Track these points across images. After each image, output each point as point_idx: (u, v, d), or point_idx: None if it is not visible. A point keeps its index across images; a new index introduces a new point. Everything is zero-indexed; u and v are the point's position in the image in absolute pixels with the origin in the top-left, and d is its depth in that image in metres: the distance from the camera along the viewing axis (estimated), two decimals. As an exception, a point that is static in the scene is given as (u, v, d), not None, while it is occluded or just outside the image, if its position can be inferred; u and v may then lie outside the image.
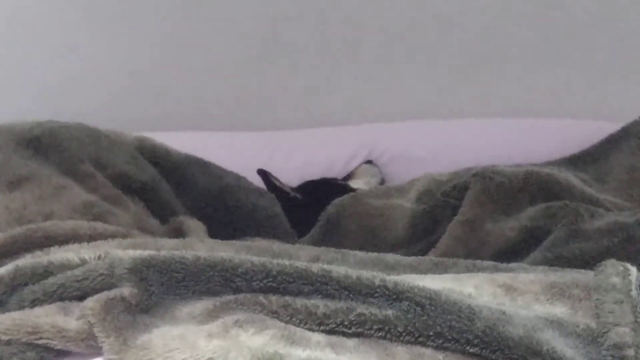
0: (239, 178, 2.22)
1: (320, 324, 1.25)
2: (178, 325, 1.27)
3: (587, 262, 1.65)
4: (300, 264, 1.34)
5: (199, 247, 1.59)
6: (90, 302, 1.28)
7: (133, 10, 2.66)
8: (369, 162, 2.55)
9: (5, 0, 2.63)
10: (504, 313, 1.26)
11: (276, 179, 2.32)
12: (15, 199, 1.75)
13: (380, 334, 1.23)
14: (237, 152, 2.51)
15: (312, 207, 2.16)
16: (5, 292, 1.37)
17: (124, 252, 1.42)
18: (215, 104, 2.78)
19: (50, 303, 1.34)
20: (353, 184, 2.42)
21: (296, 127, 2.69)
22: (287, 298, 1.29)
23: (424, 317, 1.23)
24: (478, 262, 1.61)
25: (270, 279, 1.31)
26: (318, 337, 1.23)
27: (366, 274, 1.31)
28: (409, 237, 2.02)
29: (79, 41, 2.69)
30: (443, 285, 1.36)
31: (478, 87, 2.76)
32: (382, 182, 2.50)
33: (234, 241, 1.75)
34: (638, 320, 1.26)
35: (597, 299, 1.32)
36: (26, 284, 1.38)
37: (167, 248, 1.51)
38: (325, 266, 1.34)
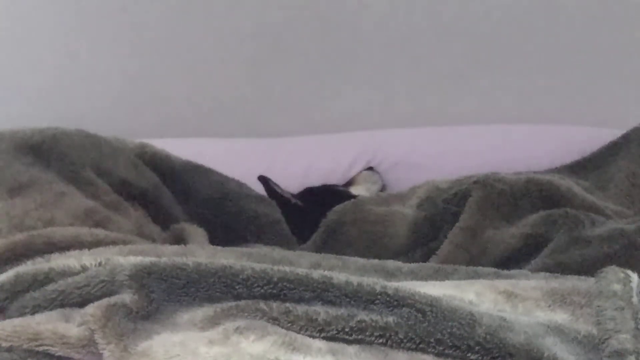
0: (239, 184, 2.22)
1: (321, 331, 1.25)
2: (179, 332, 1.27)
3: (588, 269, 1.64)
4: (301, 271, 1.33)
5: (200, 253, 1.59)
6: (91, 309, 1.28)
7: (133, 16, 2.66)
8: (370, 168, 2.55)
9: (4, 5, 2.63)
10: (504, 320, 1.26)
11: (277, 185, 2.32)
12: (16, 206, 1.75)
13: (381, 340, 1.23)
14: (237, 159, 2.51)
15: (312, 213, 2.16)
16: (6, 299, 1.37)
17: (125, 258, 1.42)
18: (216, 110, 2.78)
19: (51, 309, 1.34)
20: (354, 190, 2.42)
21: (297, 134, 2.70)
22: (288, 305, 1.29)
23: (425, 324, 1.23)
24: (479, 268, 1.61)
25: (271, 286, 1.31)
26: (319, 343, 1.23)
27: (367, 280, 1.31)
28: (409, 243, 2.02)
29: (79, 47, 2.69)
30: (444, 291, 1.36)
31: (479, 94, 2.77)
32: (383, 188, 2.50)
33: (234, 248, 1.75)
34: (639, 327, 1.25)
35: (598, 306, 1.32)
36: (27, 291, 1.38)
37: (168, 254, 1.51)
38: (326, 273, 1.34)
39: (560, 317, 1.33)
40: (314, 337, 1.25)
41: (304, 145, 2.64)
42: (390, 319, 1.25)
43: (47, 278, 1.39)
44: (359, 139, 2.65)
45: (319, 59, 2.73)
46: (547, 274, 1.59)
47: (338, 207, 2.12)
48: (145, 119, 2.72)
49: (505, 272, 1.59)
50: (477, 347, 1.21)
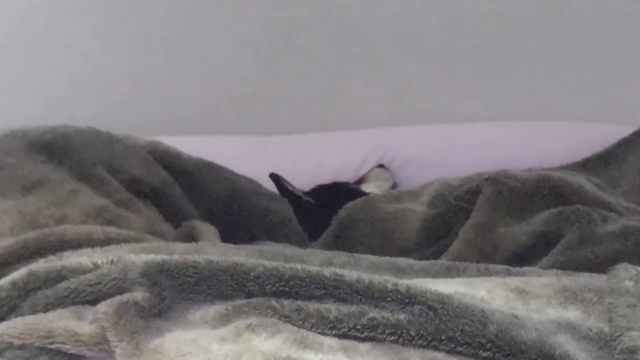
0: (251, 182, 2.22)
1: (332, 328, 1.25)
2: (190, 330, 1.27)
3: (600, 266, 1.64)
4: (313, 268, 1.33)
5: (211, 251, 1.59)
6: (103, 307, 1.28)
7: (143, 14, 2.67)
8: (381, 166, 2.55)
9: (15, 5, 2.64)
10: (516, 317, 1.26)
11: (288, 183, 2.32)
12: (28, 204, 1.76)
13: (392, 338, 1.23)
14: (249, 156, 2.51)
15: (324, 211, 2.16)
16: (19, 297, 1.37)
17: (137, 256, 1.42)
18: (227, 107, 2.79)
19: (63, 307, 1.34)
20: (365, 188, 2.42)
21: (308, 131, 2.70)
22: (300, 302, 1.29)
23: (437, 321, 1.23)
24: (490, 266, 1.61)
25: (283, 283, 1.31)
26: (330, 341, 1.23)
27: (378, 278, 1.31)
28: (421, 241, 2.02)
29: (89, 46, 2.70)
30: (455, 289, 1.36)
31: (490, 91, 2.76)
32: (394, 186, 2.50)
33: (246, 245, 1.75)
34: (651, 324, 1.25)
35: (609, 303, 1.31)
36: (39, 289, 1.38)
37: (179, 252, 1.51)
38: (338, 270, 1.34)
39: (572, 314, 1.33)
40: (325, 334, 1.25)
41: (316, 142, 2.64)
42: (402, 316, 1.25)
43: (60, 276, 1.39)
44: (370, 136, 2.65)
45: (330, 57, 2.73)
46: (559, 271, 1.59)
47: (349, 205, 2.12)
48: (156, 117, 2.72)
49: (517, 269, 1.58)
50: (488, 345, 1.20)
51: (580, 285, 1.39)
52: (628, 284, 1.34)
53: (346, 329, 1.25)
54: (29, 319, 1.31)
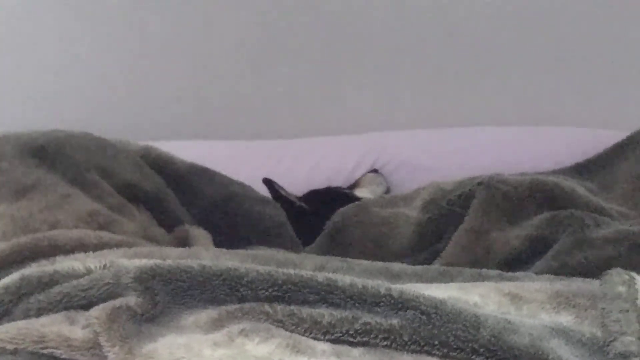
0: (244, 187, 2.22)
1: (325, 333, 1.25)
2: (183, 334, 1.27)
3: (593, 271, 1.64)
4: (306, 273, 1.33)
5: (205, 256, 1.59)
6: (96, 311, 1.28)
7: (135, 19, 2.67)
8: (375, 170, 2.55)
9: (7, 10, 2.63)
10: (509, 322, 1.26)
11: (281, 187, 2.32)
12: (21, 208, 1.75)
13: (385, 343, 1.23)
14: (242, 161, 2.51)
15: (317, 216, 2.16)
16: (11, 302, 1.37)
17: (130, 261, 1.42)
18: (220, 112, 2.78)
19: (55, 312, 1.34)
20: (358, 192, 2.42)
21: (301, 136, 2.70)
22: (293, 307, 1.28)
23: (430, 326, 1.23)
24: (483, 271, 1.61)
25: (276, 288, 1.31)
26: (323, 346, 1.23)
27: (371, 283, 1.31)
28: (414, 246, 2.02)
29: (82, 50, 2.70)
30: (448, 294, 1.36)
31: (483, 96, 2.77)
32: (388, 190, 2.50)
33: (239, 250, 1.75)
34: (644, 329, 1.25)
35: (602, 308, 1.32)
36: (32, 293, 1.38)
37: (172, 257, 1.51)
38: (331, 275, 1.34)
39: (565, 319, 1.33)
40: (318, 339, 1.25)
41: (309, 147, 2.64)
42: (395, 321, 1.25)
43: (52, 280, 1.39)
44: (363, 141, 2.65)
45: (323, 61, 2.73)
46: (552, 276, 1.59)
47: (342, 210, 2.12)
48: (149, 122, 2.72)
49: (510, 274, 1.58)
50: (481, 350, 1.21)
51: (573, 290, 1.39)
52: (621, 288, 1.34)
53: (339, 334, 1.25)
54: (22, 323, 1.31)
